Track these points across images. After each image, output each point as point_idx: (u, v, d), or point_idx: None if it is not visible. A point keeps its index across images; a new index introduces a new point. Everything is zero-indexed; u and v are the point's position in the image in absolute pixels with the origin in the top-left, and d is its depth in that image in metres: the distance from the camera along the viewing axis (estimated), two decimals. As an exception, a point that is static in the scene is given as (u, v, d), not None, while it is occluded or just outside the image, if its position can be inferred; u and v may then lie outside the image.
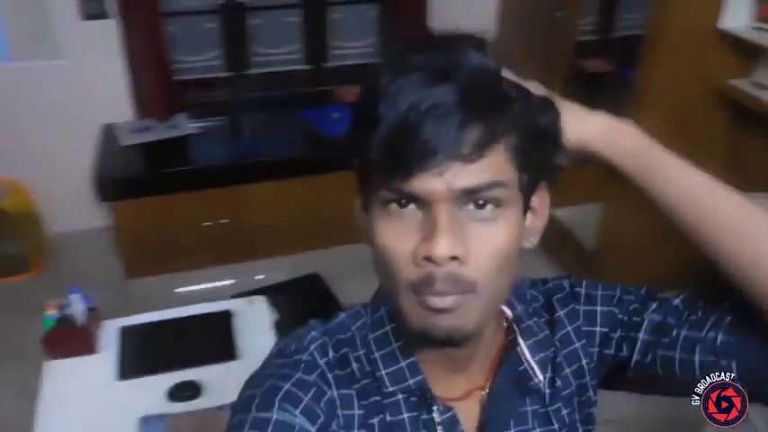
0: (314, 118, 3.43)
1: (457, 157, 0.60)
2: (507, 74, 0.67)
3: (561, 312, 0.81)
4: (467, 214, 0.62)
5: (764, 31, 2.34)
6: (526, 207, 0.68)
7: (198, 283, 3.11)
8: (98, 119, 3.32)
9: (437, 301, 0.63)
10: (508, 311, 0.79)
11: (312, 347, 0.75)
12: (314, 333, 0.76)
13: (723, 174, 2.77)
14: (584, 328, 0.81)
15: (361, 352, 0.75)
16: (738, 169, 2.67)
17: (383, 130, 0.61)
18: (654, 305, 0.78)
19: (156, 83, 3.25)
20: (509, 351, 0.77)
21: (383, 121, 0.61)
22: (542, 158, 0.68)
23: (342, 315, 0.79)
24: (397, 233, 0.64)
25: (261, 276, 3.06)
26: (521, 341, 0.78)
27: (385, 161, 0.62)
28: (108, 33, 3.15)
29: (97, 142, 3.24)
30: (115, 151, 3.17)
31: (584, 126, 0.73)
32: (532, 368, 0.77)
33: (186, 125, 3.35)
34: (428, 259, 0.61)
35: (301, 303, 2.53)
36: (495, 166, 0.62)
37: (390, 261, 0.64)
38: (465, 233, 0.62)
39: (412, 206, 0.63)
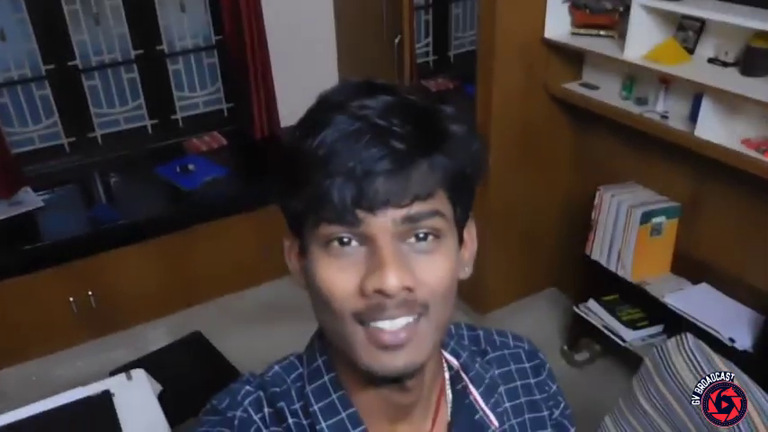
0: (168, 173, 3.34)
1: (403, 203, 0.60)
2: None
3: (496, 372, 0.82)
4: (409, 247, 0.62)
5: (582, 36, 2.53)
6: (460, 240, 0.69)
7: (73, 364, 2.92)
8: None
9: (389, 337, 0.62)
10: (453, 360, 0.79)
11: (246, 402, 0.72)
12: (248, 387, 0.73)
13: (571, 172, 2.97)
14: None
15: (298, 405, 0.72)
16: (584, 165, 2.87)
17: (323, 181, 0.60)
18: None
19: (-9, 160, 3.04)
20: (461, 401, 0.77)
21: (323, 173, 0.60)
22: (472, 191, 0.69)
23: (275, 367, 0.76)
24: (339, 269, 0.62)
25: (140, 344, 2.91)
26: (472, 389, 0.78)
27: (330, 210, 0.61)
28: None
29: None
30: (-45, 239, 2.93)
31: None
32: (487, 415, 0.77)
33: (32, 199, 3.15)
34: (379, 292, 0.60)
35: (187, 367, 2.42)
36: (434, 201, 0.63)
37: (333, 296, 0.63)
38: (410, 264, 0.62)
39: (354, 242, 0.62)
